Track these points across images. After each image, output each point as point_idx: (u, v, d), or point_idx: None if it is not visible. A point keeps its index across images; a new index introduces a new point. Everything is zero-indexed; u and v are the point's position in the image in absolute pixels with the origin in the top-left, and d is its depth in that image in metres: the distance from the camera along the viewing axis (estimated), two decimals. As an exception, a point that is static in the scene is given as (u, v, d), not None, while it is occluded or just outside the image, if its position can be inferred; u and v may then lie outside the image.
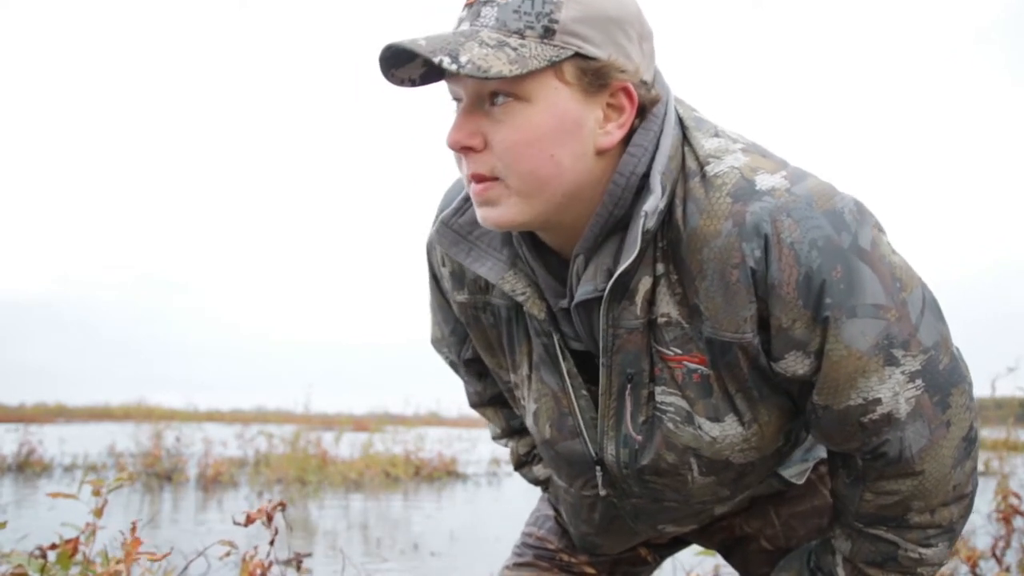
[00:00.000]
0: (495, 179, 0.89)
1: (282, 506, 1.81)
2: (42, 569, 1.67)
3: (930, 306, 0.93)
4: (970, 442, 0.96)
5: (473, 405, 1.36)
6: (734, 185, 0.89)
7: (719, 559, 2.95)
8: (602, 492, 1.11)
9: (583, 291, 0.94)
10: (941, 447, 0.94)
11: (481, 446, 11.79)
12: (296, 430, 9.58)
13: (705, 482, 1.04)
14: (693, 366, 0.95)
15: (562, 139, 0.87)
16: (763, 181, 0.89)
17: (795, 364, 0.91)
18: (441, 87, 0.93)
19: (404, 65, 0.87)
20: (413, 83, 0.90)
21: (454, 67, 0.81)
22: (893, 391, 0.90)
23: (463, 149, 0.89)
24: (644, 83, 0.91)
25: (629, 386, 0.99)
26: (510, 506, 7.02)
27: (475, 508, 6.85)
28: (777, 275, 0.86)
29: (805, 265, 0.86)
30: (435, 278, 1.18)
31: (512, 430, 1.35)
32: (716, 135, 0.95)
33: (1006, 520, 3.35)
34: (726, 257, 0.88)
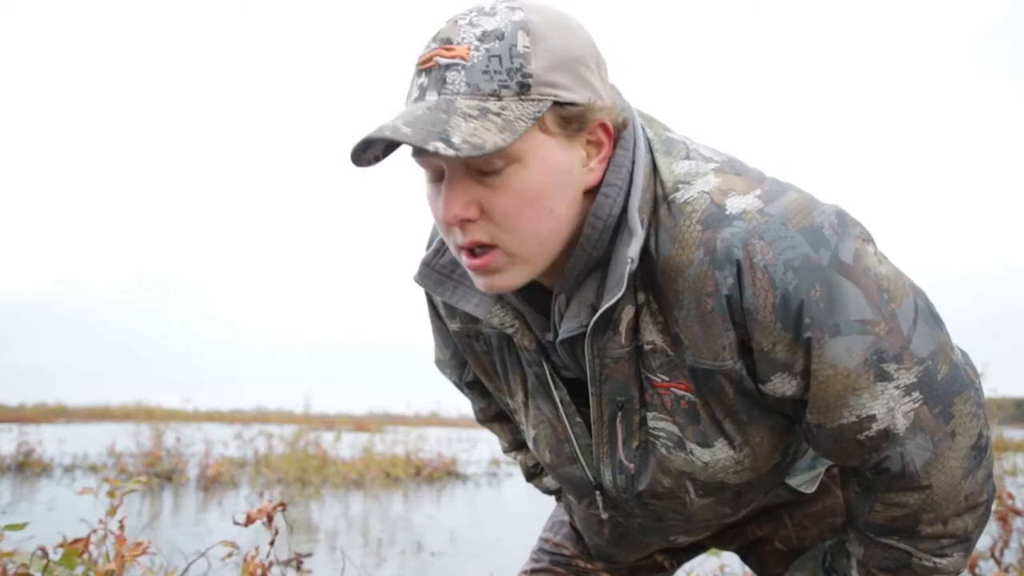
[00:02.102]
0: (494, 247, 0.86)
1: (282, 506, 1.81)
2: (45, 568, 1.68)
3: (924, 315, 0.89)
4: (980, 450, 0.92)
5: (480, 421, 1.35)
6: (703, 212, 0.87)
7: (723, 559, 2.96)
8: (604, 515, 1.12)
9: (567, 328, 0.94)
10: (948, 459, 0.90)
11: (481, 446, 11.79)
12: (296, 430, 9.59)
13: (704, 503, 1.04)
14: (680, 393, 0.94)
15: (557, 191, 0.85)
16: (734, 204, 0.86)
17: (782, 386, 0.89)
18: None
19: (371, 147, 0.83)
20: (377, 159, 0.85)
21: (451, 152, 0.76)
22: (888, 407, 0.87)
23: (460, 222, 0.85)
24: (614, 110, 0.89)
25: (620, 414, 0.98)
26: (510, 506, 7.02)
27: (475, 508, 6.85)
28: (752, 300, 0.84)
29: (781, 288, 0.84)
30: (431, 304, 1.18)
31: (519, 443, 1.35)
32: (687, 157, 0.93)
33: (1003, 520, 3.36)
34: (700, 286, 0.86)
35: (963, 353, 0.96)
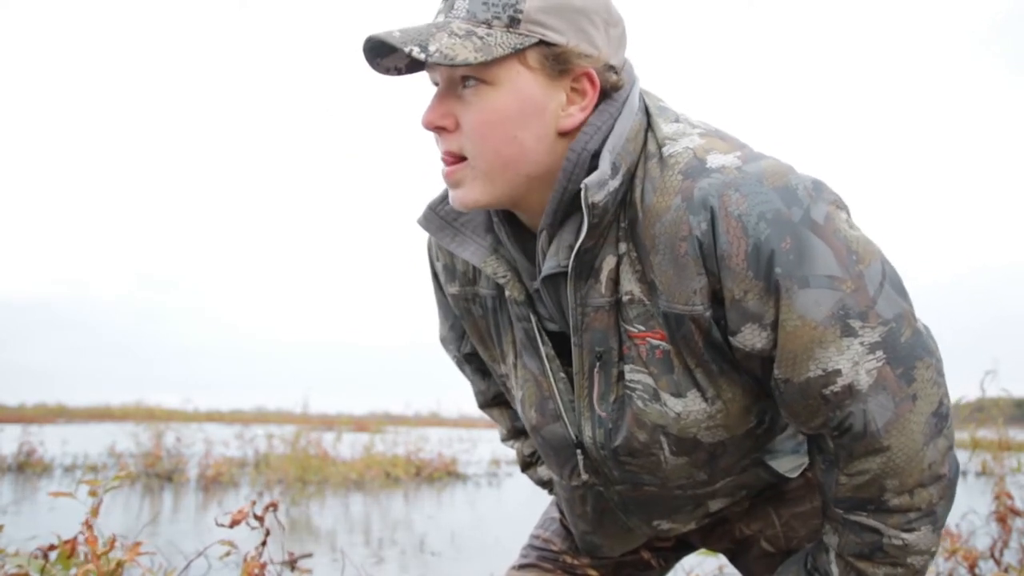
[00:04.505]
0: (463, 159, 0.96)
1: (273, 507, 1.81)
2: (42, 570, 1.68)
3: (891, 280, 0.93)
4: (941, 418, 0.95)
5: (480, 406, 1.39)
6: (686, 164, 0.93)
7: (722, 560, 2.96)
8: (584, 476, 1.13)
9: (548, 266, 0.99)
10: (908, 421, 0.93)
11: (481, 447, 11.79)
12: (296, 430, 9.58)
13: (678, 463, 1.05)
14: (655, 342, 0.98)
15: (525, 121, 0.93)
16: (714, 160, 0.92)
17: (752, 337, 0.92)
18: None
19: (388, 55, 0.95)
20: (399, 71, 0.97)
21: (422, 56, 0.88)
22: (852, 361, 0.90)
23: (436, 128, 0.96)
24: (609, 68, 0.96)
25: (598, 363, 1.02)
26: (510, 507, 7.02)
27: (475, 508, 6.86)
28: (726, 247, 0.89)
29: (753, 236, 0.88)
30: (434, 274, 1.23)
31: (517, 431, 1.38)
32: (676, 121, 1.00)
33: (1002, 520, 3.36)
34: (675, 231, 0.91)
35: (926, 327, 0.98)
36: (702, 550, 1.33)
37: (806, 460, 1.17)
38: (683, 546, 1.34)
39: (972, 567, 3.13)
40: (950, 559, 3.17)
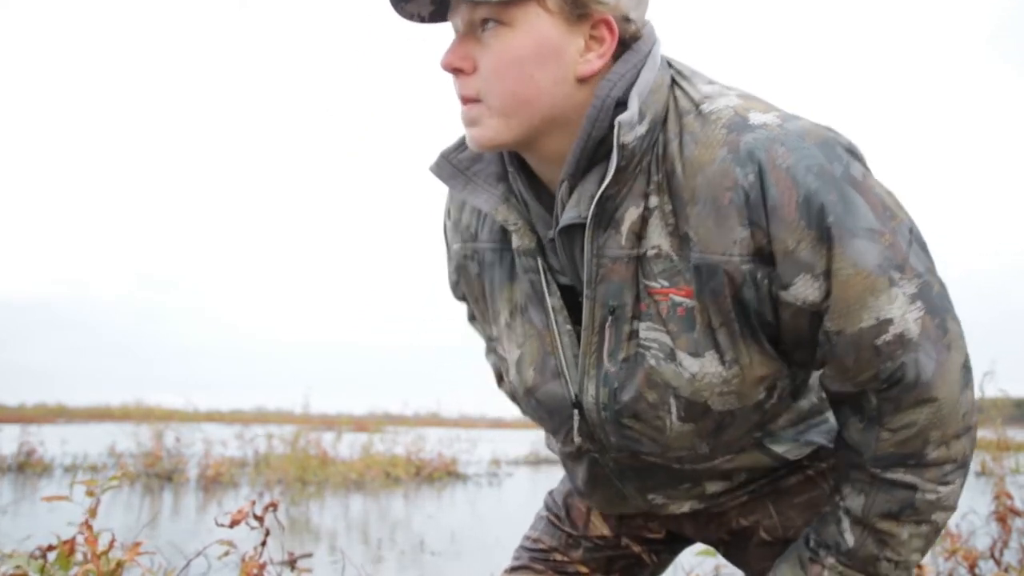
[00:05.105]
0: (479, 101, 0.97)
1: (273, 507, 1.81)
2: (41, 570, 1.68)
3: (916, 237, 0.96)
4: (968, 370, 0.98)
5: (486, 354, 1.40)
6: (728, 119, 0.94)
7: (719, 559, 2.95)
8: (577, 439, 1.11)
9: (568, 216, 0.99)
10: (949, 371, 0.96)
11: (481, 446, 11.79)
12: (296, 430, 9.59)
13: (683, 430, 1.04)
14: (679, 299, 0.98)
15: (541, 63, 0.95)
16: (756, 117, 0.94)
17: (805, 289, 0.93)
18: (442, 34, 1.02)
19: (412, 0, 0.98)
20: (422, 19, 1.00)
21: None
22: (901, 311, 0.93)
23: (454, 70, 0.98)
24: (626, 19, 0.97)
25: (611, 318, 1.01)
26: (510, 507, 7.02)
27: (475, 508, 6.86)
28: (777, 197, 0.90)
29: (803, 187, 0.90)
30: (445, 236, 1.24)
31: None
32: (711, 83, 1.02)
33: (1002, 520, 3.36)
34: (719, 181, 0.93)
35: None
36: (702, 551, 1.32)
37: (804, 448, 1.16)
38: (676, 539, 1.32)
39: (972, 567, 3.13)
40: (950, 559, 3.17)
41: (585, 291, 1.01)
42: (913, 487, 1.00)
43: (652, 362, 1.00)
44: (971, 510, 3.68)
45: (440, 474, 9.52)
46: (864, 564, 1.05)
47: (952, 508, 1.02)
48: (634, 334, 1.01)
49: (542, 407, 1.13)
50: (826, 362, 0.99)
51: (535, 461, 12.01)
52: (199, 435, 9.37)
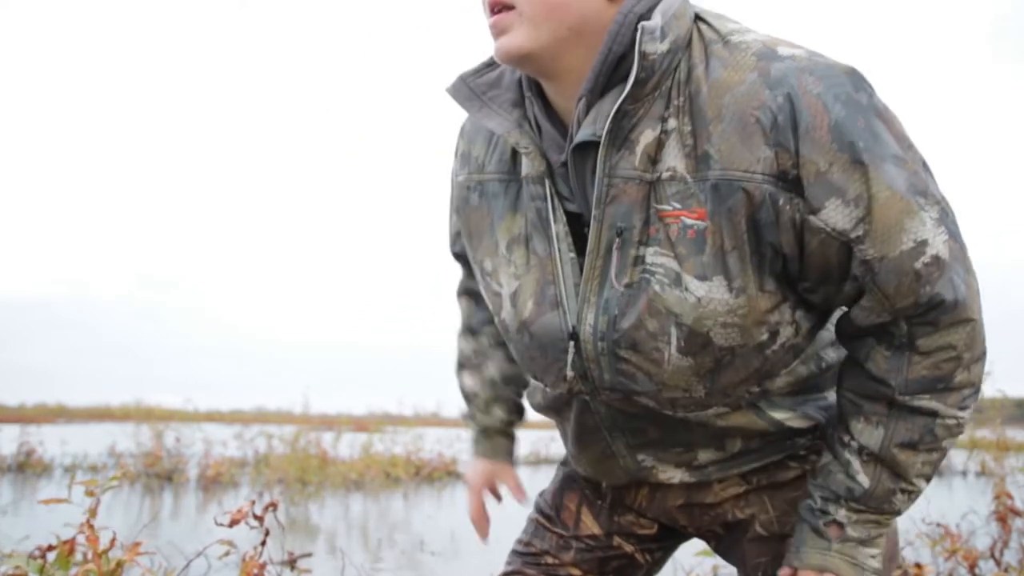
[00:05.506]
0: (510, 8, 0.98)
1: (273, 507, 1.81)
2: (41, 570, 1.68)
3: (930, 170, 1.00)
4: (981, 296, 1.02)
5: (457, 294, 1.45)
6: (757, 49, 0.97)
7: (718, 560, 2.95)
8: (569, 375, 1.10)
9: (583, 133, 1.00)
10: (977, 292, 1.00)
11: (481, 446, 11.74)
12: (296, 430, 9.59)
13: (681, 364, 1.03)
14: (690, 221, 0.98)
15: None
16: (784, 50, 0.98)
17: (835, 215, 0.94)
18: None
19: None
20: None
21: None
22: (933, 233, 0.95)
23: None
24: None
25: (618, 241, 1.02)
26: (510, 507, 7.01)
27: (475, 508, 6.85)
28: (808, 119, 0.92)
29: (834, 113, 0.93)
30: (454, 169, 1.25)
31: (468, 328, 1.43)
32: (737, 23, 1.05)
33: (1002, 520, 3.36)
34: (748, 101, 0.95)
35: None
36: (701, 551, 1.31)
37: (803, 423, 1.15)
38: (669, 536, 1.31)
39: (972, 567, 3.13)
40: (950, 559, 3.17)
41: (593, 212, 1.02)
42: (935, 413, 1.02)
43: (656, 287, 1.00)
44: (971, 510, 3.68)
45: (440, 474, 9.52)
46: (880, 502, 1.06)
47: (961, 434, 1.06)
48: (640, 259, 1.02)
49: (535, 342, 1.12)
50: (864, 293, 1.00)
51: (535, 461, 12.00)
52: (199, 435, 9.37)
